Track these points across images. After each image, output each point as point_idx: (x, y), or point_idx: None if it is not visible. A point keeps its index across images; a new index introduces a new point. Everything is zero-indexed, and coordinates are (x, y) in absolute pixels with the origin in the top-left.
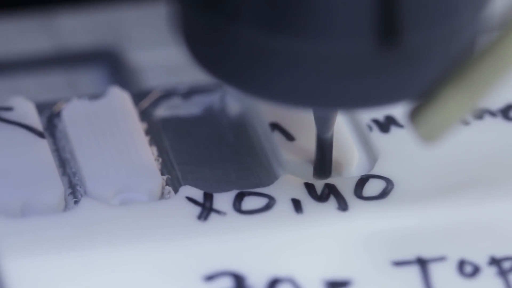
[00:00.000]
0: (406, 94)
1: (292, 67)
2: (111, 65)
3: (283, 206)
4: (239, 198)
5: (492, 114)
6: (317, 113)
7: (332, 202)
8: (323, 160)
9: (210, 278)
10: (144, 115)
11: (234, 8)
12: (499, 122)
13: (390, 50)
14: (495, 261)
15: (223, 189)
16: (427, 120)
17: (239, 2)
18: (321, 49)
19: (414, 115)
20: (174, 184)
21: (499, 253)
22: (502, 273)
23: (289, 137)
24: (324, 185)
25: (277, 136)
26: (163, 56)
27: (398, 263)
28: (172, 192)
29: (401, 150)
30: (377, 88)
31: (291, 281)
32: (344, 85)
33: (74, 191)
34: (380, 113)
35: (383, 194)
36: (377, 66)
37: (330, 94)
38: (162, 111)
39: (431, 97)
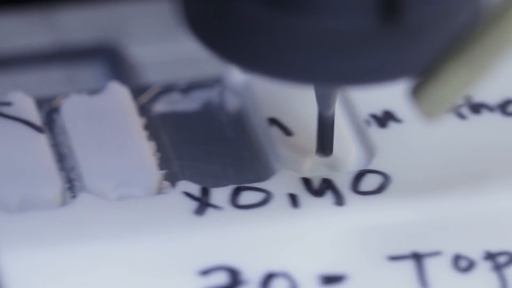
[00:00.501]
0: (408, 71)
1: (293, 44)
2: (111, 61)
3: (280, 201)
4: (236, 193)
5: (490, 109)
6: (318, 90)
7: (328, 197)
8: (325, 138)
9: (206, 272)
10: (143, 110)
11: None
12: (497, 117)
13: (392, 26)
14: (490, 256)
15: (221, 184)
16: (429, 96)
17: None
18: (323, 25)
19: (416, 92)
20: (172, 179)
21: (494, 248)
22: (497, 268)
23: (287, 132)
24: (321, 180)
25: (274, 131)
26: (162, 52)
27: (394, 258)
28: (170, 187)
29: (398, 145)
30: (378, 64)
31: (287, 275)
32: (346, 61)
33: (72, 186)
34: (378, 107)
35: (380, 189)
36: (379, 43)
37: (331, 70)
38: (160, 106)
39: (433, 73)
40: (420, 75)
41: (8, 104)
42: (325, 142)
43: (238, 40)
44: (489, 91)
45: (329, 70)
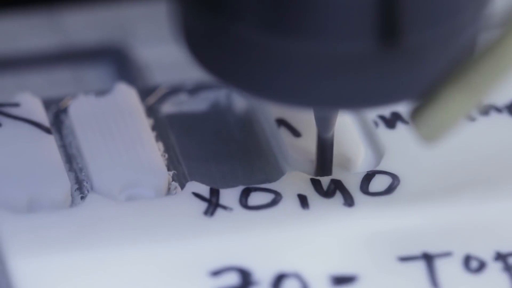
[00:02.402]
0: (407, 94)
1: (293, 67)
2: (118, 62)
3: (289, 202)
4: (245, 193)
5: (498, 110)
6: (317, 113)
7: (338, 197)
8: (324, 160)
9: (216, 273)
10: (151, 111)
11: (234, 9)
12: (505, 118)
13: (391, 50)
14: (500, 257)
15: (229, 184)
16: (428, 120)
17: (239, 2)
18: (322, 48)
19: (415, 115)
20: (181, 180)
21: (505, 249)
22: (508, 269)
23: (295, 133)
24: (330, 180)
25: (283, 132)
26: (169, 53)
27: (404, 259)
28: (179, 188)
29: (407, 146)
30: (378, 87)
31: (297, 276)
32: (345, 84)
33: (81, 187)
34: (386, 109)
35: (389, 190)
36: (378, 66)
37: (330, 93)
38: (168, 107)
39: (432, 97)
40: (420, 98)
41: (16, 105)
42: (324, 164)
43: (237, 64)
44: (497, 92)
45: (328, 93)
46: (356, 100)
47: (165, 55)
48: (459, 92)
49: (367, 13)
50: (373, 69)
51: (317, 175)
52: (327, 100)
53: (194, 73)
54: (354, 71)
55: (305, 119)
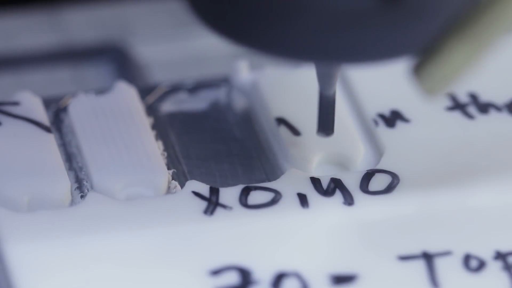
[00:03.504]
0: (409, 48)
1: (295, 21)
2: (118, 60)
3: (289, 200)
4: (245, 192)
5: (498, 108)
6: (319, 69)
7: (338, 196)
8: (326, 118)
9: (216, 272)
10: (151, 110)
11: None
12: (505, 116)
13: (393, 4)
14: (500, 256)
15: (229, 183)
16: (431, 74)
17: None
18: (324, 3)
19: (417, 70)
20: (180, 178)
21: (504, 248)
22: (508, 268)
23: (295, 132)
24: (330, 179)
25: (283, 131)
26: (169, 51)
27: (404, 258)
28: (178, 186)
29: (406, 145)
30: (379, 42)
31: (297, 275)
32: (347, 39)
33: (81, 185)
34: (386, 107)
35: (389, 189)
36: (380, 21)
37: (332, 48)
38: (168, 106)
39: (434, 51)
40: (422, 53)
41: (15, 103)
42: (326, 122)
43: (240, 19)
44: (497, 90)
45: (330, 48)
46: (358, 55)
47: (165, 54)
48: (461, 44)
49: None
50: (375, 24)
51: (319, 134)
52: (329, 55)
53: (194, 71)
54: (356, 26)
55: (305, 118)
